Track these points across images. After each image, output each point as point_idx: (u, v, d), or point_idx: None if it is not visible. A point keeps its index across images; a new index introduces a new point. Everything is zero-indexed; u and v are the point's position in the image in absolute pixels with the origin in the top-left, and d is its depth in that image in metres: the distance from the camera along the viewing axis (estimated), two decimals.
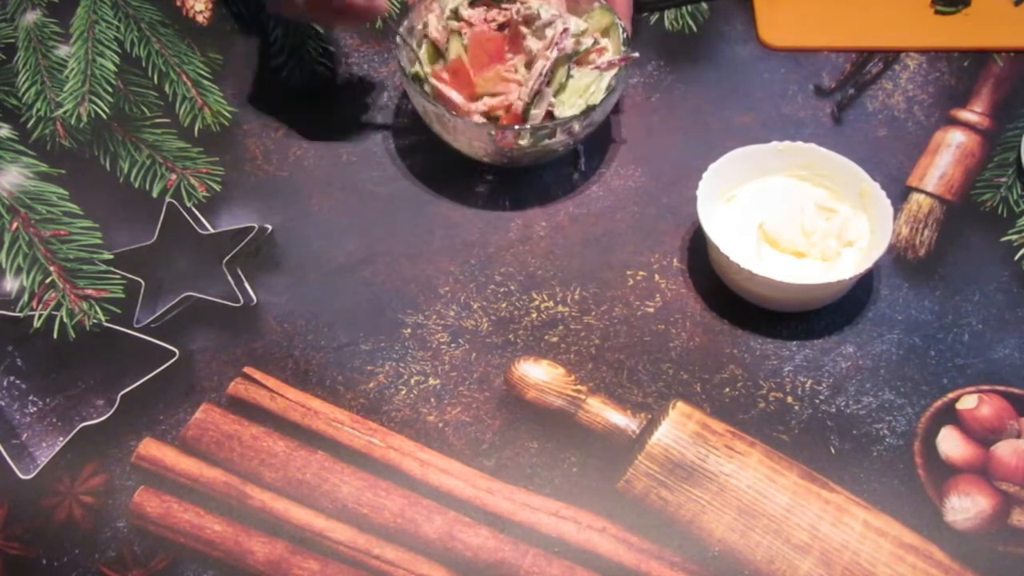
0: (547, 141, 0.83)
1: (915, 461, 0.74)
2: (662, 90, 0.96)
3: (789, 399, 0.77)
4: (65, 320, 0.81)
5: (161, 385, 0.77)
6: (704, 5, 1.02)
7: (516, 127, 0.82)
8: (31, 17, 1.00)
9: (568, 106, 0.84)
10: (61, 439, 0.75)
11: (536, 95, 0.83)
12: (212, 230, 0.85)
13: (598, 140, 0.91)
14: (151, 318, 0.80)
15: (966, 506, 0.72)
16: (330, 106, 0.95)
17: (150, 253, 0.83)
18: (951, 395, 0.77)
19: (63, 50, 0.98)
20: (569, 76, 0.85)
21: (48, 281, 0.83)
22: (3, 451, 0.73)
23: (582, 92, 0.85)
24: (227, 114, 0.94)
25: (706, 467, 0.72)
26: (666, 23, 1.01)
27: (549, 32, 0.84)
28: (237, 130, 0.93)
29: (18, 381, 0.79)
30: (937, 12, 1.01)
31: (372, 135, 0.93)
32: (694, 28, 1.00)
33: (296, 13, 0.82)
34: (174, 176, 0.89)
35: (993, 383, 0.77)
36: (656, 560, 0.70)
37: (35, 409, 0.77)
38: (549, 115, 0.83)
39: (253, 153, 0.91)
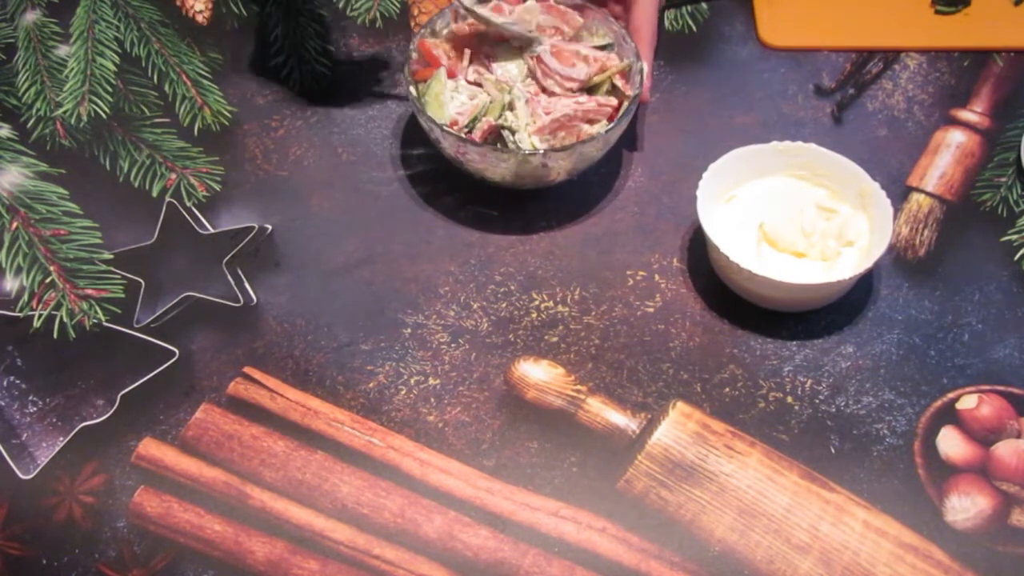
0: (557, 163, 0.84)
1: (915, 461, 0.74)
2: (662, 90, 0.96)
3: (789, 399, 0.77)
4: (65, 320, 0.81)
5: (161, 385, 0.77)
6: (704, 5, 1.02)
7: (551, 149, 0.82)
8: (31, 17, 1.00)
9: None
10: (61, 439, 0.75)
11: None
12: (212, 230, 0.85)
13: None
14: (151, 318, 0.80)
15: (966, 506, 0.72)
16: (330, 106, 0.95)
17: (150, 253, 0.83)
18: (951, 395, 0.77)
19: (63, 50, 0.98)
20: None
21: (48, 281, 0.83)
22: (3, 451, 0.73)
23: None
24: (227, 114, 0.94)
25: (706, 467, 0.72)
26: (666, 23, 1.01)
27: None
28: (237, 130, 0.93)
29: (18, 381, 0.79)
30: (937, 12, 1.01)
31: (372, 135, 0.93)
32: (694, 28, 1.00)
33: None
34: (174, 176, 0.89)
35: (993, 383, 0.77)
36: (656, 560, 0.70)
37: (35, 409, 0.77)
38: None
39: (253, 153, 0.91)
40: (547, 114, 0.83)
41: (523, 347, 0.80)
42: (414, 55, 0.86)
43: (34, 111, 0.93)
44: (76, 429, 0.74)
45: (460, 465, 0.74)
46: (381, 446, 0.75)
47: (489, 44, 0.88)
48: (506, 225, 0.87)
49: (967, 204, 0.88)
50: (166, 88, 0.96)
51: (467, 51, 0.87)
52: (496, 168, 0.83)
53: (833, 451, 0.75)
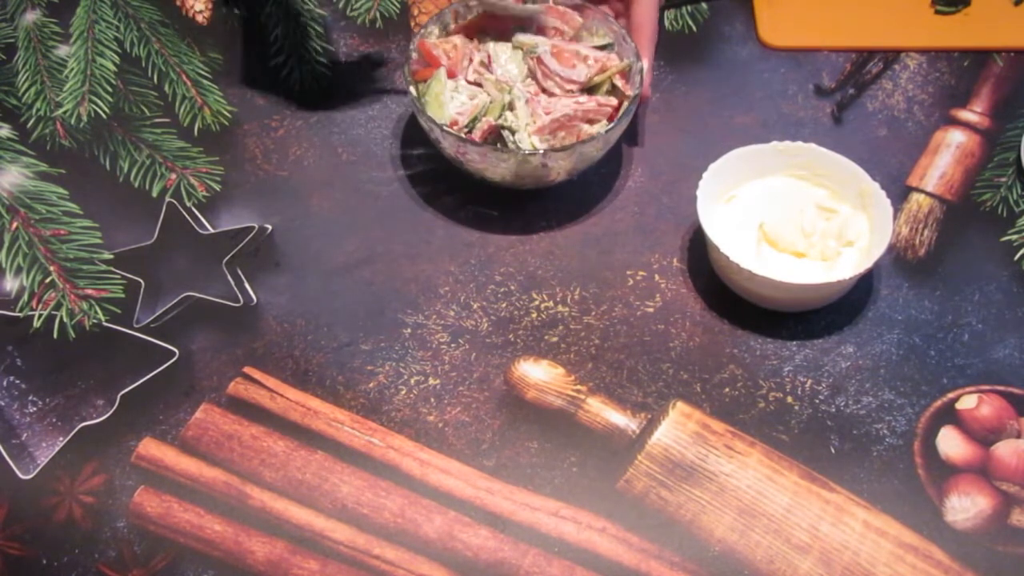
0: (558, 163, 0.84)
1: (915, 461, 0.74)
2: (662, 90, 0.96)
3: (789, 399, 0.77)
4: (65, 320, 0.81)
5: (161, 385, 0.77)
6: (704, 5, 1.02)
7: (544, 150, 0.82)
8: (31, 17, 1.00)
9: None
10: (61, 439, 0.75)
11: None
12: (212, 230, 0.85)
13: None
14: (151, 318, 0.80)
15: (966, 506, 0.72)
16: (330, 106, 0.95)
17: (150, 253, 0.83)
18: (951, 395, 0.77)
19: (63, 50, 0.98)
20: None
21: (48, 281, 0.83)
22: (3, 451, 0.73)
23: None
24: (227, 114, 0.94)
25: (706, 467, 0.72)
26: (666, 23, 1.01)
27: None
28: (237, 130, 0.93)
29: (18, 381, 0.79)
30: (937, 12, 1.01)
31: (372, 135, 0.93)
32: (694, 28, 1.00)
33: None
34: (174, 176, 0.89)
35: (993, 383, 0.77)
36: (656, 560, 0.70)
37: (35, 409, 0.77)
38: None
39: (253, 153, 0.91)
40: (547, 114, 0.83)
41: (523, 347, 0.80)
42: (414, 55, 0.86)
43: (34, 111, 0.93)
44: (76, 429, 0.74)
45: (460, 465, 0.74)
46: (381, 446, 0.75)
47: (493, 38, 0.88)
48: (506, 225, 0.87)
49: (967, 204, 0.88)
50: (166, 88, 0.96)
51: (468, 51, 0.87)
52: (496, 168, 0.83)
53: (833, 451, 0.75)
